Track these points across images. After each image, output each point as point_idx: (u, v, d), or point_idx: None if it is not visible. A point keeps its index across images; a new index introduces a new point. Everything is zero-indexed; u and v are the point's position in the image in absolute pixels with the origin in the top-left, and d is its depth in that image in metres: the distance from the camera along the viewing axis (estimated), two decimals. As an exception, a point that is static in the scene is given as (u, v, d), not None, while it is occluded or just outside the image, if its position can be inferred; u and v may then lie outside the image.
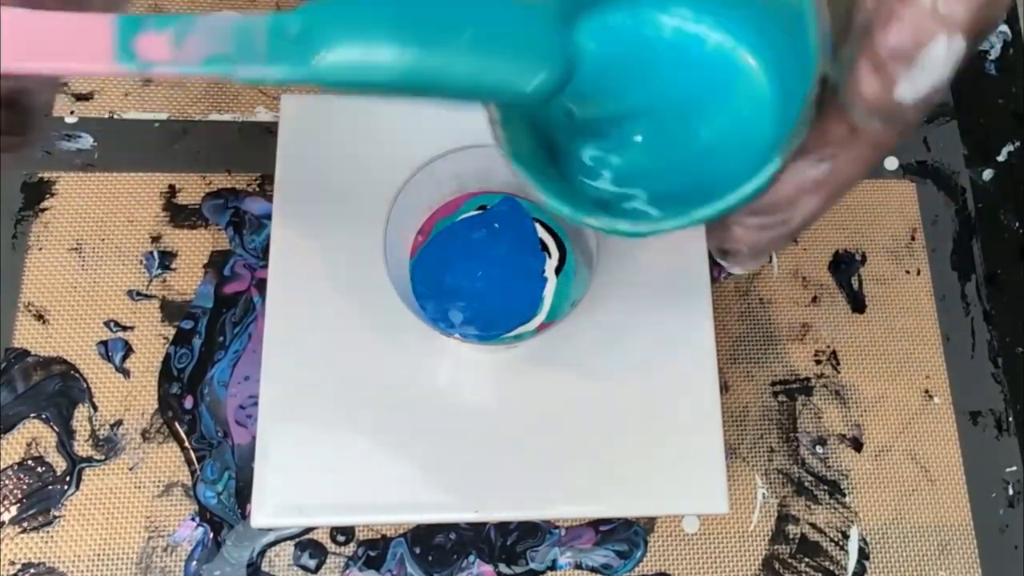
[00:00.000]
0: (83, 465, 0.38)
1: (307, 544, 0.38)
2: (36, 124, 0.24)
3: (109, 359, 0.40)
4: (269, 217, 0.35)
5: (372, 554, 0.38)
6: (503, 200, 0.35)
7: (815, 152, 0.20)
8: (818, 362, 0.43)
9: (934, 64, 0.17)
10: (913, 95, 0.18)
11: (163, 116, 0.44)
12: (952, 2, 0.17)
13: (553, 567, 0.38)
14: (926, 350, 0.44)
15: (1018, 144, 0.48)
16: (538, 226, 0.35)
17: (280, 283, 0.35)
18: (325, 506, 0.33)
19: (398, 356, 0.35)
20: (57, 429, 0.39)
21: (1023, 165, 0.47)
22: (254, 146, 0.43)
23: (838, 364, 0.43)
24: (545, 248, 0.35)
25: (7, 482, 0.38)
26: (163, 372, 0.40)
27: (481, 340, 0.34)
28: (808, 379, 0.43)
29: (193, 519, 0.38)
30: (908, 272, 0.45)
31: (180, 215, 0.42)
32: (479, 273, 0.34)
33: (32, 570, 0.37)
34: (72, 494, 0.38)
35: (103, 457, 0.38)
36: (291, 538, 0.38)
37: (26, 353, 0.40)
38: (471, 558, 0.38)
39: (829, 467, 0.41)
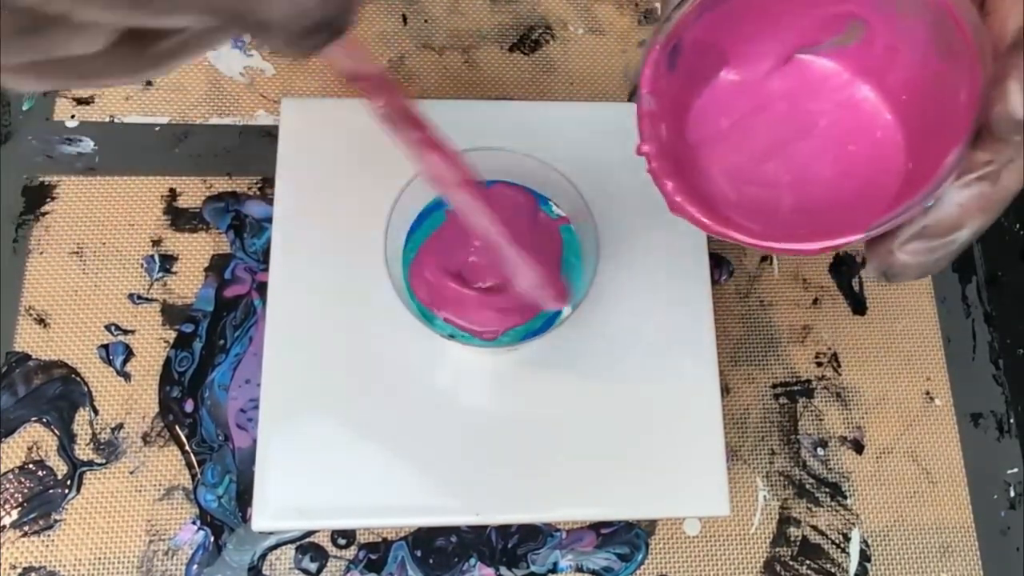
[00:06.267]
0: (84, 469, 0.38)
1: (308, 547, 0.38)
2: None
3: (110, 363, 0.40)
4: (270, 220, 0.35)
5: (373, 557, 0.38)
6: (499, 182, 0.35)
7: (974, 170, 0.20)
8: (819, 364, 0.43)
9: None
10: None
11: (164, 120, 0.44)
12: None
13: (554, 570, 0.38)
14: (927, 352, 0.44)
15: (1018, 146, 0.48)
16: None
17: (281, 286, 0.35)
18: (326, 509, 0.33)
19: (399, 359, 0.35)
20: (58, 433, 0.39)
21: (1023, 167, 0.47)
22: (254, 149, 0.43)
23: (839, 366, 0.43)
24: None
25: (8, 486, 0.38)
26: (164, 376, 0.40)
27: (482, 344, 0.34)
28: (809, 381, 0.43)
29: (194, 523, 0.38)
30: (908, 274, 0.45)
31: (181, 219, 0.42)
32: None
33: (33, 574, 0.37)
34: (73, 498, 0.38)
35: (104, 461, 0.38)
36: (292, 541, 0.38)
37: (27, 357, 0.40)
38: (472, 561, 0.38)
39: (830, 469, 0.41)
